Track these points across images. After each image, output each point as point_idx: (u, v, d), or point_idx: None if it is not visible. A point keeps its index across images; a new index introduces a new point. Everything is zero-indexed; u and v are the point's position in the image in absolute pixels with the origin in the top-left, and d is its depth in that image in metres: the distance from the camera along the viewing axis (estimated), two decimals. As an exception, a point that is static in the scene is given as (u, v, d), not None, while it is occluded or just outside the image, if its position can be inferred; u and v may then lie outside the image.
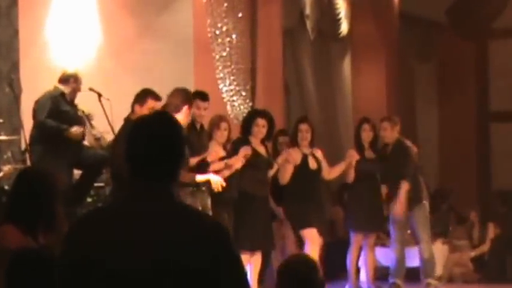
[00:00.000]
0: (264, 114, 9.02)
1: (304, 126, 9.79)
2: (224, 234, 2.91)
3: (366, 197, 10.03)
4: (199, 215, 2.99)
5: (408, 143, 10.61)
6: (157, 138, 2.91)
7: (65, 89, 8.65)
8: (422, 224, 10.37)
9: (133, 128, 3.00)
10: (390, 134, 10.46)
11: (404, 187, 10.11)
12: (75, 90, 8.74)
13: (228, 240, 2.92)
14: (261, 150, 8.95)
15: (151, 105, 7.80)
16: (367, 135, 10.37)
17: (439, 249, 12.06)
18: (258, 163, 8.79)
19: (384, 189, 10.46)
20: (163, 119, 3.00)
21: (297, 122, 9.99)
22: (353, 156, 10.16)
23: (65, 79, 8.69)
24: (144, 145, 2.90)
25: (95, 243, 2.84)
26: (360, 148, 10.33)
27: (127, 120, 7.76)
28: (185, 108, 7.63)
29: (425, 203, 10.38)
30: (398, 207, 10.13)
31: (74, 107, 8.75)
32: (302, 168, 9.58)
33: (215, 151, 8.34)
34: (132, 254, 2.81)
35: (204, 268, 2.82)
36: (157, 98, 7.96)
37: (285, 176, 9.56)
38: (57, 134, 8.35)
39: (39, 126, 8.45)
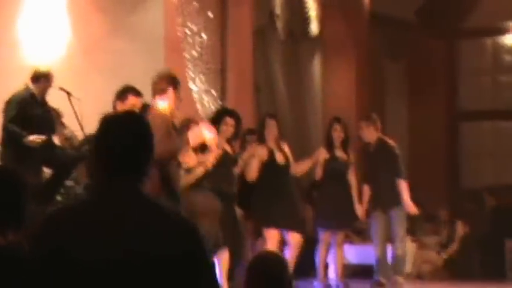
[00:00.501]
0: (232, 113, 9.10)
1: (271, 122, 9.88)
2: (194, 231, 2.96)
3: (335, 196, 10.12)
4: (168, 211, 3.00)
5: (391, 142, 10.70)
6: (126, 137, 2.94)
7: (35, 88, 8.65)
8: (401, 223, 10.48)
9: (102, 126, 3.02)
10: (371, 133, 10.54)
11: (405, 186, 10.27)
12: (46, 89, 8.75)
13: (198, 237, 2.95)
14: (227, 148, 9.05)
15: (132, 101, 7.82)
16: (338, 135, 10.46)
17: (408, 247, 12.17)
18: (224, 161, 8.87)
19: (366, 190, 10.55)
20: (131, 117, 3.03)
21: (264, 117, 10.08)
22: (321, 153, 10.27)
23: (36, 78, 8.68)
24: (113, 143, 2.93)
25: (64, 238, 2.86)
26: (330, 147, 10.42)
27: None
28: (170, 90, 7.57)
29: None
30: (409, 203, 10.31)
31: (45, 106, 8.76)
32: (269, 163, 9.66)
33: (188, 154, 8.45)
34: (101, 248, 2.83)
35: (174, 263, 2.86)
36: (138, 94, 7.99)
37: (252, 172, 9.64)
38: (17, 139, 8.39)
39: (3, 129, 8.50)
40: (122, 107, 7.79)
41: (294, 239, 9.63)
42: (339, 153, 10.43)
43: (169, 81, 7.69)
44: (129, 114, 3.07)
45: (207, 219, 7.83)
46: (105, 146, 2.98)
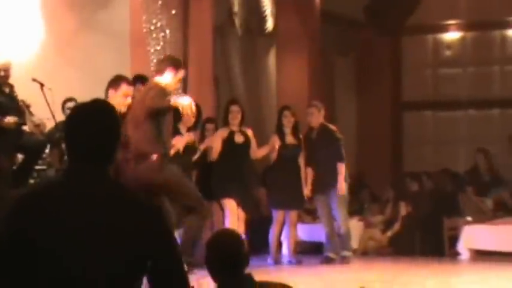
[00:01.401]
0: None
1: (235, 108, 9.98)
2: (158, 212, 2.98)
3: (286, 179, 10.21)
4: (134, 195, 3.01)
5: (333, 127, 10.80)
6: (94, 124, 2.94)
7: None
8: (340, 204, 10.59)
9: (72, 114, 3.03)
10: (316, 118, 10.63)
11: (343, 169, 10.37)
12: (6, 78, 8.71)
13: (162, 218, 2.98)
14: (189, 137, 9.13)
15: (124, 89, 7.78)
16: (288, 121, 10.55)
17: (355, 226, 12.29)
18: (184, 148, 8.94)
19: (309, 172, 10.63)
20: (99, 105, 3.02)
21: (228, 104, 10.15)
22: (275, 141, 10.39)
23: None
24: (82, 130, 2.93)
25: (28, 219, 2.85)
26: (281, 134, 10.52)
27: None
28: (168, 70, 7.63)
29: (345, 184, 10.61)
30: (342, 185, 10.39)
31: (9, 97, 8.72)
32: (228, 142, 9.77)
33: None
34: (67, 232, 2.82)
35: (140, 245, 2.87)
36: (130, 83, 7.97)
37: (214, 152, 9.77)
38: None
39: None
40: (114, 95, 7.74)
41: (241, 214, 9.72)
42: (290, 139, 10.52)
43: (169, 63, 7.79)
44: (96, 104, 3.03)
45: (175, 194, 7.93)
46: (72, 133, 2.98)
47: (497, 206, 12.38)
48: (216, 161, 9.81)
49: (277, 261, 10.53)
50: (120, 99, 7.63)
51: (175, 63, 7.77)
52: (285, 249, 11.01)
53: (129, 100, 7.71)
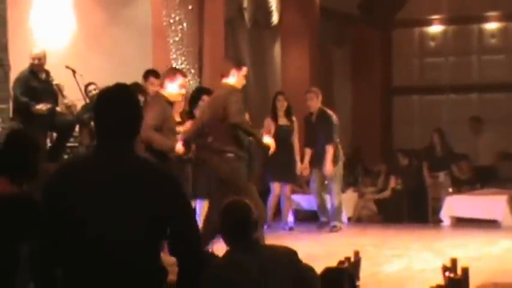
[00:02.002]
0: (209, 91, 9.04)
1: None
2: (174, 179, 2.99)
3: (281, 156, 9.98)
4: (154, 165, 3.03)
5: (330, 112, 10.72)
6: (119, 104, 2.94)
7: (35, 66, 8.64)
8: (335, 179, 10.55)
9: (100, 97, 3.03)
10: (315, 103, 10.56)
11: (331, 150, 10.31)
12: (42, 66, 8.68)
13: (177, 184, 3.00)
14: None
15: (180, 81, 7.29)
16: (281, 104, 10.52)
17: (350, 196, 12.28)
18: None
19: (307, 152, 10.59)
20: (122, 89, 3.00)
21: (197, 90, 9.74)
22: (270, 124, 10.33)
23: (33, 58, 8.68)
24: (109, 110, 2.93)
25: (70, 187, 2.86)
26: (275, 116, 10.48)
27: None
28: (232, 71, 7.45)
29: (340, 163, 10.56)
30: (328, 166, 10.33)
31: (45, 82, 8.70)
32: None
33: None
34: (97, 197, 2.83)
35: (160, 207, 2.87)
36: (185, 75, 7.76)
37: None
38: (26, 108, 8.36)
39: (14, 101, 8.46)
40: (171, 84, 7.48)
41: None
42: (283, 120, 10.49)
43: (232, 64, 7.63)
44: (119, 88, 3.01)
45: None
46: (101, 114, 2.97)
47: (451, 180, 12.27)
48: None
49: (268, 226, 10.49)
50: (176, 88, 7.25)
51: (237, 62, 7.67)
52: (290, 217, 10.97)
53: (183, 91, 7.40)
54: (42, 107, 8.38)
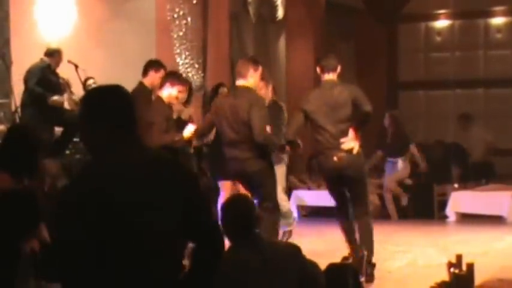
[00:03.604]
0: (224, 85, 9.07)
1: (223, 90, 9.68)
2: (185, 167, 3.05)
3: None
4: (163, 154, 3.07)
5: (281, 103, 10.24)
6: (124, 103, 2.96)
7: (51, 61, 8.63)
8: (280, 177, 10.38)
9: (102, 97, 3.01)
10: (265, 93, 9.90)
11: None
12: (58, 62, 8.71)
13: (196, 176, 3.09)
14: None
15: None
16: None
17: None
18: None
19: None
20: (118, 88, 3.03)
21: (216, 86, 9.59)
22: None
23: (50, 53, 8.67)
24: (119, 107, 2.95)
25: (103, 180, 2.85)
26: None
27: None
28: (251, 71, 7.00)
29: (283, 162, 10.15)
30: None
31: (57, 76, 8.73)
32: None
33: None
34: (131, 190, 2.83)
35: (180, 199, 2.88)
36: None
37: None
38: (43, 99, 8.35)
39: (29, 92, 8.42)
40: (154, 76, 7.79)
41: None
42: None
43: (251, 63, 7.08)
44: (115, 87, 3.04)
45: None
46: (116, 111, 2.95)
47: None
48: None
49: None
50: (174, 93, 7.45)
51: (255, 62, 7.16)
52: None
53: (181, 96, 7.51)
54: (59, 98, 8.42)
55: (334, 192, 7.29)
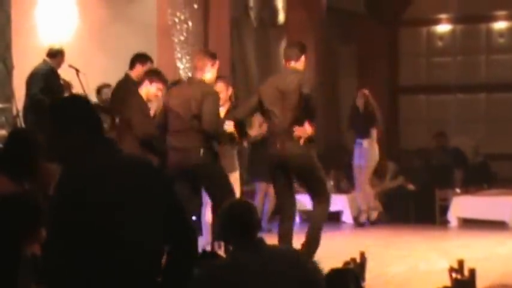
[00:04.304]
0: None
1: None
2: (158, 169, 3.23)
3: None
4: (138, 156, 3.19)
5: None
6: (92, 108, 3.12)
7: (53, 62, 8.61)
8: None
9: (72, 104, 3.14)
10: (224, 97, 9.70)
11: None
12: (60, 63, 8.70)
13: (169, 180, 3.21)
14: None
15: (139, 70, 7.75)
16: None
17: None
18: None
19: None
20: (83, 97, 3.30)
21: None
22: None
23: (53, 54, 8.63)
24: (89, 112, 3.08)
25: (83, 181, 2.93)
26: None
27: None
28: (303, 57, 7.07)
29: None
30: None
31: (59, 78, 8.71)
32: None
33: None
34: (107, 190, 2.91)
35: (153, 200, 2.96)
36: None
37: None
38: (43, 106, 8.32)
39: (31, 98, 8.40)
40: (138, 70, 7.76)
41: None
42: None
43: (301, 49, 7.12)
44: (81, 97, 3.28)
45: None
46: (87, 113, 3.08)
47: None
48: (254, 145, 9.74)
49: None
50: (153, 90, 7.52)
51: (304, 49, 7.14)
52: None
53: (159, 94, 7.52)
54: None
55: (276, 184, 7.16)
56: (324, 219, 7.20)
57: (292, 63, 7.04)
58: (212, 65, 6.97)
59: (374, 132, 11.37)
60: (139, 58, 7.95)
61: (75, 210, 2.87)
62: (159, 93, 7.49)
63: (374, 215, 11.67)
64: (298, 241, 7.21)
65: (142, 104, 7.37)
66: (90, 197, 2.88)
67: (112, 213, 2.88)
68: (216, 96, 6.92)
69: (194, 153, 6.76)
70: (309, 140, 6.91)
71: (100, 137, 3.04)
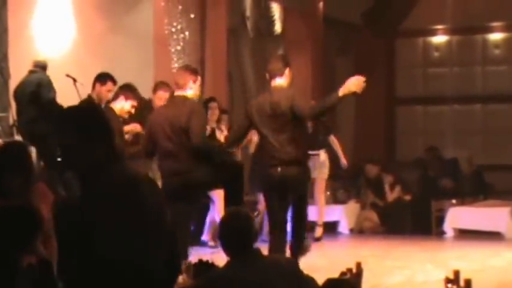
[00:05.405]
0: (215, 100, 9.04)
1: (213, 105, 9.68)
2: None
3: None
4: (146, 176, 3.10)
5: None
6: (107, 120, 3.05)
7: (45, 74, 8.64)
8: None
9: (97, 115, 3.05)
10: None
11: None
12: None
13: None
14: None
15: (110, 87, 7.74)
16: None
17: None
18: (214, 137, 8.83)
19: None
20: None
21: (207, 101, 9.64)
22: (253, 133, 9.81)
23: (43, 66, 8.63)
24: (108, 124, 3.01)
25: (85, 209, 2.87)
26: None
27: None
28: (287, 71, 6.87)
29: None
30: None
31: None
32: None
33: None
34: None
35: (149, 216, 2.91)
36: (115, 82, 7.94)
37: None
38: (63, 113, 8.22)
39: (44, 105, 8.22)
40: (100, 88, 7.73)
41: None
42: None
43: (286, 63, 6.96)
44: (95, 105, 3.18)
45: None
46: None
47: None
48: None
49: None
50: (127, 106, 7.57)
51: (287, 63, 6.99)
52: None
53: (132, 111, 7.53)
54: None
55: (273, 209, 6.82)
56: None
57: (278, 80, 6.81)
58: (194, 81, 6.83)
59: (334, 140, 11.07)
60: (99, 78, 7.89)
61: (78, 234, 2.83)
62: (132, 111, 7.39)
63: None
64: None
65: (116, 120, 7.19)
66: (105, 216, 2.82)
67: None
68: (201, 111, 6.85)
69: (192, 175, 6.59)
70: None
71: (114, 151, 2.94)
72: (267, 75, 6.93)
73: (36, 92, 8.33)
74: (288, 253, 6.70)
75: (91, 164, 2.88)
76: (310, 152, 9.94)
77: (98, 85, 7.85)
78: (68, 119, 2.98)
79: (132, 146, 7.55)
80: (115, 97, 7.34)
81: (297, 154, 6.63)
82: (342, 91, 6.65)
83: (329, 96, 6.76)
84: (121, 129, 7.27)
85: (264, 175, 6.82)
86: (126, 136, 7.78)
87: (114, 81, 7.90)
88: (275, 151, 6.61)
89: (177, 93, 6.87)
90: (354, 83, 6.71)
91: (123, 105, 7.25)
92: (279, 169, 6.59)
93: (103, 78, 7.83)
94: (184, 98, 6.76)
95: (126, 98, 7.26)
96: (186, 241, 6.60)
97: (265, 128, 6.68)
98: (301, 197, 6.81)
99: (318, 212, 10.49)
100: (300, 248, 6.91)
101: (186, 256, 6.08)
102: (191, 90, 6.81)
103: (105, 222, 2.79)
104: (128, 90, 7.37)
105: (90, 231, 2.79)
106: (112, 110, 7.25)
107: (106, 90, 7.81)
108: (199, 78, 6.95)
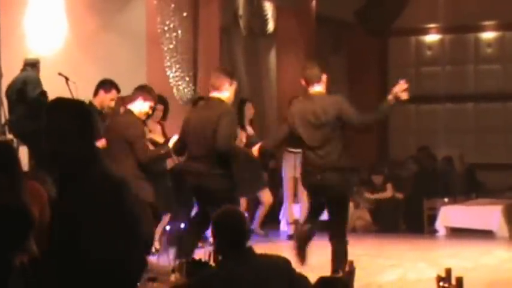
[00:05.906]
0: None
1: (248, 105, 9.87)
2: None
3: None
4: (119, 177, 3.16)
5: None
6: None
7: (35, 72, 8.61)
8: None
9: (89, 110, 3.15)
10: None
11: None
12: (38, 74, 8.68)
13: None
14: None
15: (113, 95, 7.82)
16: (249, 113, 10.31)
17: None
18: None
19: None
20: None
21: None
22: (242, 133, 9.78)
23: (34, 64, 8.60)
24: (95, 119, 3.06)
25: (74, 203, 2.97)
26: (242, 126, 10.03)
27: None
28: (324, 77, 6.85)
29: None
30: None
31: None
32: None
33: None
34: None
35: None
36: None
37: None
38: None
39: (31, 103, 8.25)
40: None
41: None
42: (250, 130, 10.28)
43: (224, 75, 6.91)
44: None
45: None
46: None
47: None
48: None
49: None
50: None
51: (229, 74, 6.92)
52: (283, 226, 10.93)
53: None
54: None
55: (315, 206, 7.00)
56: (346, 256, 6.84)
57: (316, 87, 6.76)
58: (230, 84, 6.74)
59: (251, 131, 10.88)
60: (103, 85, 7.85)
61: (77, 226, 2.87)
62: (150, 112, 7.40)
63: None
64: (291, 251, 7.24)
65: (140, 123, 7.05)
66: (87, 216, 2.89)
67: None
68: (232, 116, 6.72)
69: (211, 179, 6.55)
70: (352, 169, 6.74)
71: (97, 152, 3.01)
72: (303, 82, 6.81)
73: (22, 89, 8.30)
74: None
75: (80, 159, 2.92)
76: (293, 150, 10.26)
77: (102, 92, 7.83)
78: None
79: (161, 146, 7.55)
80: (132, 99, 7.22)
81: (340, 161, 6.57)
82: (391, 100, 6.68)
83: (380, 107, 6.76)
84: (144, 131, 7.13)
85: (308, 183, 6.79)
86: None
87: (118, 90, 7.91)
88: (318, 159, 6.56)
89: (212, 94, 6.78)
90: (401, 90, 6.78)
91: (142, 107, 7.11)
92: (319, 177, 6.56)
93: (108, 85, 7.82)
94: (220, 100, 6.68)
95: (145, 99, 7.16)
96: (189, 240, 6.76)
97: (308, 136, 6.61)
98: (339, 203, 6.78)
99: (301, 209, 10.52)
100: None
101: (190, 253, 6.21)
102: (227, 92, 6.73)
103: (91, 221, 2.83)
104: (145, 91, 7.30)
105: (76, 230, 2.81)
106: (132, 112, 7.07)
107: (110, 98, 7.82)
108: (235, 82, 6.84)
